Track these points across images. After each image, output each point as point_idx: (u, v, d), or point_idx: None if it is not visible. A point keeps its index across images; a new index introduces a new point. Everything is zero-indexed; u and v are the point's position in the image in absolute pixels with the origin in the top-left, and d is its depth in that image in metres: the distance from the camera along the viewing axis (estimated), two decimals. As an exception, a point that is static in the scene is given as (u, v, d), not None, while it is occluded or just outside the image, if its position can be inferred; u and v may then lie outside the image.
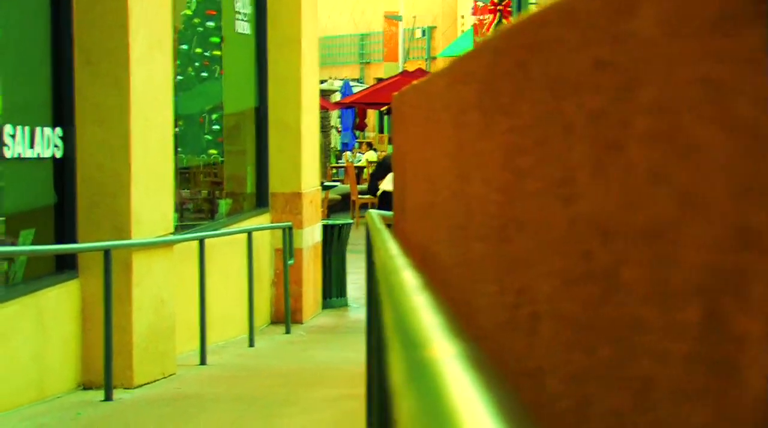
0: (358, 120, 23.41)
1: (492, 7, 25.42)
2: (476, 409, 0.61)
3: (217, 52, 12.54)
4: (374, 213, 5.50)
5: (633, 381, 0.76)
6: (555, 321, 1.03)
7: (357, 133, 27.48)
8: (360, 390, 7.97)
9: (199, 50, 12.53)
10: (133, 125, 8.36)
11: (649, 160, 0.72)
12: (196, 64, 12.36)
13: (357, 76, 38.09)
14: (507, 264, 1.32)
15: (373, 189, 12.64)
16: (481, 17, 28.70)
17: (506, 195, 1.32)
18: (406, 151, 4.51)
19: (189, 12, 12.09)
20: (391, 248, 2.12)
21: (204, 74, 12.91)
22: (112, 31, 8.27)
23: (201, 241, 9.71)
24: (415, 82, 3.52)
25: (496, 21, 25.28)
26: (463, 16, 35.12)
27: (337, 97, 27.14)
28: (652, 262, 0.72)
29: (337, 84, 29.33)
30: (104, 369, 7.85)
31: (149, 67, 8.64)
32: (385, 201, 9.95)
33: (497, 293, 1.39)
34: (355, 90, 26.63)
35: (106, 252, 7.90)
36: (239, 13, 12.10)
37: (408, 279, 1.31)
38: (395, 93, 5.52)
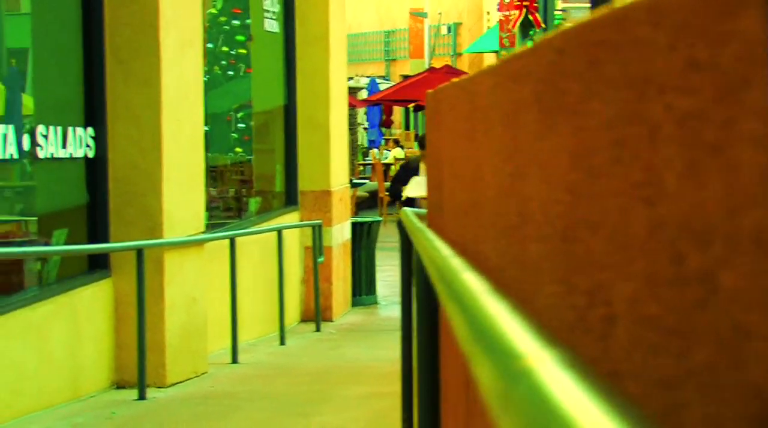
0: (384, 117, 23.40)
1: (518, 3, 25.35)
2: (598, 421, 0.60)
3: (243, 51, 12.55)
4: (409, 211, 5.49)
5: (738, 388, 0.74)
6: (636, 324, 1.01)
7: (383, 130, 27.47)
8: (393, 388, 7.96)
9: (225, 49, 12.55)
10: (164, 124, 8.37)
11: (758, 163, 0.71)
12: (222, 62, 12.38)
13: (382, 73, 38.07)
14: (575, 264, 1.31)
15: (395, 193, 12.59)
16: (507, 13, 28.63)
17: (574, 195, 1.31)
18: (442, 148, 4.50)
19: (215, 11, 12.10)
20: (441, 248, 2.10)
21: (230, 73, 12.94)
22: (143, 30, 8.28)
23: (232, 240, 9.72)
24: (454, 79, 3.51)
25: (522, 17, 25.22)
26: (488, 13, 35.04)
27: (363, 95, 27.13)
28: (759, 268, 0.71)
29: (364, 81, 29.31)
30: (138, 368, 7.87)
31: (180, 66, 8.65)
32: (410, 203, 9.95)
33: (563, 294, 1.37)
34: (382, 87, 26.62)
35: (139, 252, 7.91)
36: (268, 11, 12.10)
37: (474, 283, 1.29)
38: (429, 90, 5.51)
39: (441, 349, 3.29)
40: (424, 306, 3.20)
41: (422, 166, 10.36)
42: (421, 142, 11.23)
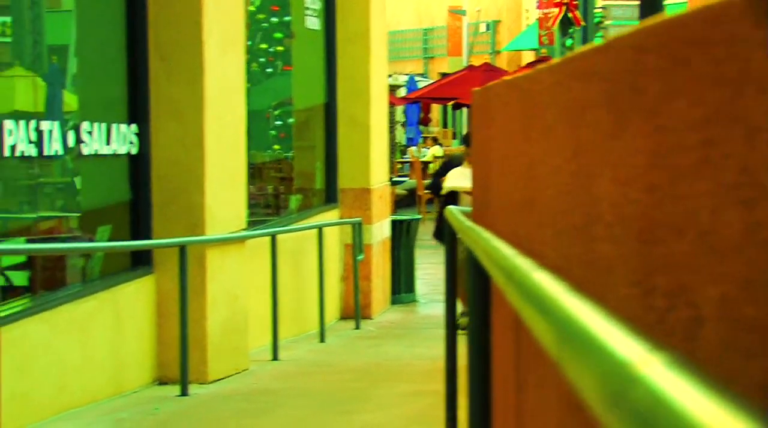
0: (422, 115, 23.39)
1: (558, 1, 25.25)
2: (728, 423, 0.58)
3: (280, 48, 12.57)
4: (455, 209, 5.48)
5: None
6: (729, 326, 1.00)
7: (421, 127, 27.47)
8: (435, 386, 7.95)
9: (263, 46, 12.57)
10: (207, 121, 8.39)
11: None
12: (261, 59, 12.40)
13: (420, 71, 38.04)
14: (654, 266, 1.29)
15: (436, 188, 12.55)
16: (546, 11, 28.55)
17: (654, 195, 1.29)
18: (491, 146, 4.48)
19: (253, 8, 12.12)
20: (501, 247, 2.09)
21: (269, 70, 12.96)
22: (186, 27, 8.30)
23: (273, 237, 9.74)
24: (506, 77, 3.49)
25: (561, 15, 25.12)
26: (527, 10, 34.95)
27: (402, 92, 27.13)
28: None
29: (402, 79, 29.30)
30: (180, 365, 7.89)
31: (223, 63, 8.67)
32: (450, 200, 9.85)
33: (640, 296, 1.36)
34: (420, 85, 26.59)
35: (182, 249, 7.94)
36: (309, 8, 12.11)
37: (550, 283, 1.28)
38: (476, 88, 5.49)
39: (493, 347, 3.28)
40: (476, 304, 3.19)
41: (465, 164, 10.28)
42: (466, 139, 11.04)
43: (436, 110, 32.89)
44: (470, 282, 3.28)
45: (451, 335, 5.84)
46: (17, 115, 7.11)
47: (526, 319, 1.32)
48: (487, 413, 3.19)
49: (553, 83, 2.21)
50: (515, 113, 3.04)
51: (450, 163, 12.77)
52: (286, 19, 12.75)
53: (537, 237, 2.56)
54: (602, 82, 1.62)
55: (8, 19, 7.66)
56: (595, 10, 25.15)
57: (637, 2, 23.59)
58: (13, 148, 6.83)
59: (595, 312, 0.98)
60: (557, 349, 1.00)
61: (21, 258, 7.57)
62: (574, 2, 24.75)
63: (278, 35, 12.75)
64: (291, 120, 13.05)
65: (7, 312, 6.51)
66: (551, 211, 2.30)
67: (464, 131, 36.55)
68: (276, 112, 13.05)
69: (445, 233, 5.82)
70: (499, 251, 1.93)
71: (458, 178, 9.97)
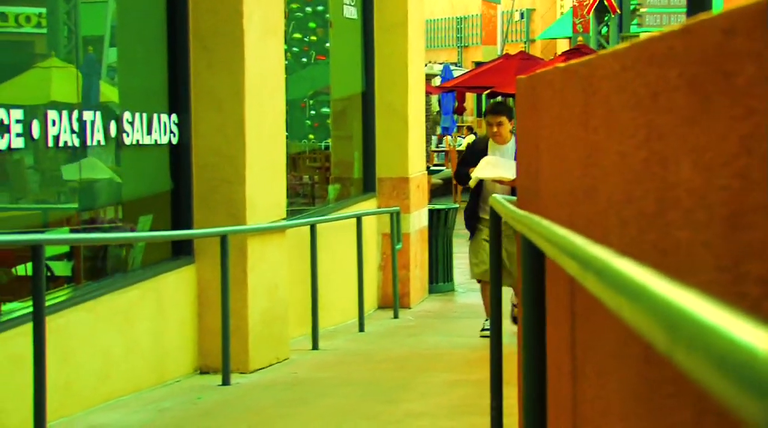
0: (457, 104, 23.29)
1: (593, -11, 25.13)
2: None
3: (314, 38, 12.56)
4: (500, 198, 5.45)
5: None
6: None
7: (456, 117, 27.42)
8: (476, 375, 7.93)
9: (297, 35, 12.57)
10: (247, 111, 8.39)
11: None
12: (294, 49, 12.39)
13: (454, 60, 37.95)
14: (746, 252, 1.27)
15: (462, 176, 12.24)
16: (581, -1, 28.41)
17: (747, 180, 1.27)
18: (539, 134, 4.45)
19: (287, -3, 12.13)
20: (566, 235, 2.06)
21: (303, 59, 12.96)
22: (227, 17, 8.30)
23: (312, 227, 9.74)
24: (560, 64, 3.46)
25: (597, 2, 25.00)
26: (562, -2, 34.81)
27: (437, 81, 27.07)
28: None
29: (437, 68, 29.24)
30: (222, 354, 7.89)
31: (263, 53, 8.66)
32: (479, 189, 9.73)
33: (728, 282, 1.34)
34: (455, 74, 26.52)
35: (223, 238, 7.94)
36: (347, -3, 12.09)
37: (636, 271, 1.26)
38: (521, 76, 5.45)
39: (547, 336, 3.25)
40: (530, 293, 3.16)
41: (491, 145, 9.73)
42: (494, 109, 10.46)
43: (470, 99, 32.81)
44: (524, 272, 3.25)
45: (496, 322, 5.81)
46: (54, 106, 7.12)
47: (616, 309, 1.29)
48: (542, 401, 3.17)
49: (619, 69, 2.18)
50: (572, 100, 3.01)
51: (474, 146, 12.62)
52: (320, 8, 12.75)
53: (599, 224, 2.53)
54: (682, 65, 1.59)
55: (44, 10, 7.68)
56: (632, -2, 25.02)
57: (674, -11, 23.42)
58: (56, 138, 6.85)
59: (703, 300, 0.95)
60: (668, 339, 0.97)
61: (64, 249, 7.59)
62: (610, -10, 24.62)
63: (312, 25, 12.74)
64: (325, 109, 13.04)
65: (51, 302, 6.52)
66: (616, 198, 2.28)
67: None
68: (311, 102, 13.05)
69: (491, 221, 5.78)
70: (566, 240, 1.90)
71: (487, 168, 9.70)
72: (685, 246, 1.60)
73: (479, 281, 9.96)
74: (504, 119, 9.64)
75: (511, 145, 9.44)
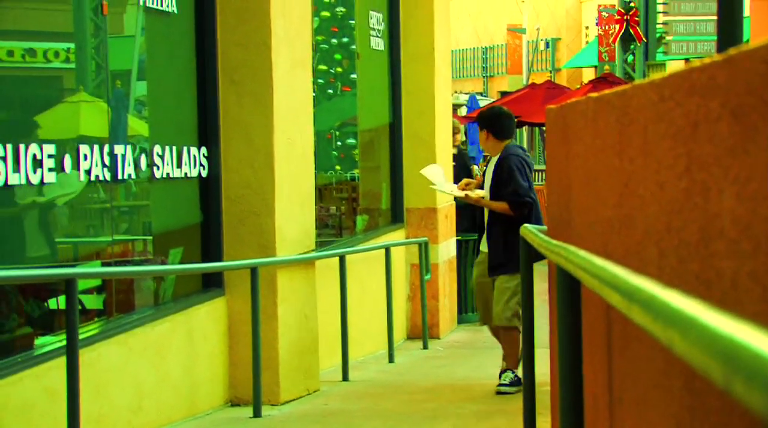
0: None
1: (618, 18, 25.14)
2: None
3: (340, 69, 12.61)
4: (531, 227, 5.45)
5: None
6: None
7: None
8: (507, 406, 7.91)
9: (323, 67, 12.62)
10: (276, 143, 8.42)
11: None
12: (321, 81, 12.44)
13: (480, 90, 38.01)
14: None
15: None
16: (606, 27, 28.46)
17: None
18: (571, 163, 4.45)
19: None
20: (607, 266, 2.06)
21: (329, 91, 13.00)
22: (256, 50, 8.34)
23: (341, 258, 9.74)
24: (592, 94, 3.47)
25: (622, 31, 25.00)
26: (587, 27, 34.85)
27: (463, 111, 27.12)
28: None
29: (464, 98, 29.29)
30: (253, 386, 7.90)
31: (291, 85, 8.70)
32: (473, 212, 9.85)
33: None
34: (482, 103, 26.57)
35: (254, 270, 7.95)
36: (374, 29, 12.14)
37: (687, 303, 1.25)
38: (550, 106, 5.46)
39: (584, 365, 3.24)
40: (567, 323, 3.16)
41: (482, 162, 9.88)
42: (486, 120, 9.55)
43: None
44: (559, 302, 3.25)
45: (528, 352, 5.79)
46: (84, 140, 7.17)
47: (666, 341, 1.29)
48: (580, 431, 3.16)
49: (657, 99, 2.18)
50: (607, 130, 3.01)
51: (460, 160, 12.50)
52: (345, 40, 12.79)
53: (636, 254, 2.53)
54: (724, 95, 1.59)
55: (72, 45, 7.74)
56: (657, 26, 25.02)
57: (699, 17, 23.44)
58: (88, 172, 6.89)
59: (759, 331, 0.95)
60: (725, 372, 0.97)
61: (95, 282, 7.62)
62: (635, 18, 24.63)
63: (338, 56, 12.79)
64: (351, 140, 13.06)
65: (84, 336, 6.54)
66: (655, 228, 2.27)
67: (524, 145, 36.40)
68: (337, 133, 13.08)
69: (522, 251, 5.78)
70: (613, 272, 1.90)
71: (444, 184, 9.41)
72: (730, 277, 1.59)
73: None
74: (484, 132, 8.81)
75: (497, 157, 8.68)
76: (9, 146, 5.98)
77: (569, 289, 3.05)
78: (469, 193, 8.87)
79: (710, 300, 1.71)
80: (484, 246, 8.84)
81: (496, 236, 8.54)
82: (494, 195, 8.61)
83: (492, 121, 8.79)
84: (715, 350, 1.02)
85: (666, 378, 2.18)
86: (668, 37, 23.58)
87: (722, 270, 1.64)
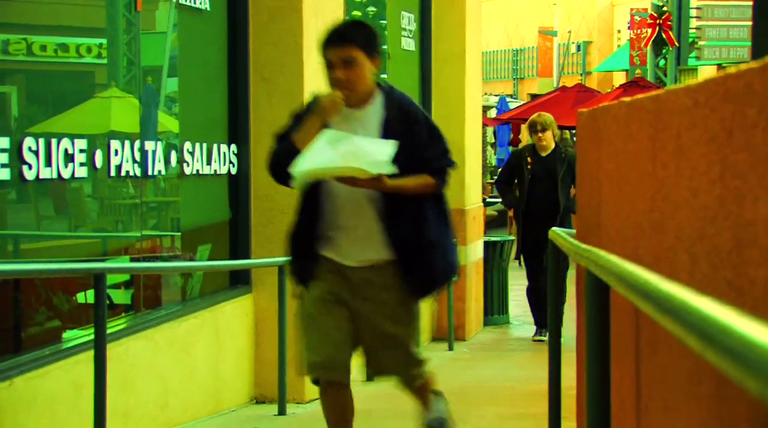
0: (513, 136, 23.30)
1: (651, 22, 25.05)
2: None
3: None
4: (561, 231, 5.43)
5: None
6: None
7: (512, 148, 27.41)
8: (532, 409, 7.88)
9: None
10: (306, 142, 8.42)
11: None
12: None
13: (510, 92, 37.96)
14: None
15: (510, 198, 11.98)
16: (638, 31, 28.36)
17: (833, 220, 1.26)
18: (602, 167, 4.44)
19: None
20: (639, 272, 2.05)
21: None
22: (287, 48, 8.36)
23: (369, 257, 9.74)
24: (625, 98, 3.45)
25: (654, 35, 24.91)
26: (619, 31, 34.75)
27: (493, 113, 27.11)
28: None
29: (493, 100, 29.27)
30: (278, 384, 7.91)
31: (322, 83, 8.69)
32: (313, 200, 9.38)
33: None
34: (511, 106, 26.55)
35: (280, 268, 7.96)
36: (405, 29, 12.14)
37: (722, 312, 1.25)
38: (582, 109, 5.45)
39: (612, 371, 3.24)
40: (595, 329, 3.15)
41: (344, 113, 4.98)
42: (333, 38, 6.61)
43: (525, 131, 32.77)
44: (587, 307, 3.24)
45: (555, 356, 5.78)
46: (115, 135, 7.19)
47: (700, 351, 1.28)
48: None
49: (691, 105, 2.17)
50: (639, 135, 3.00)
51: (510, 160, 12.43)
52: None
53: (667, 260, 2.52)
54: (762, 102, 1.59)
55: (104, 41, 7.77)
56: (690, 31, 24.93)
57: (732, 23, 23.33)
58: (118, 167, 6.91)
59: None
60: (762, 384, 0.97)
61: (123, 277, 7.65)
62: (668, 22, 24.54)
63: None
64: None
65: (111, 330, 6.57)
66: (687, 234, 2.26)
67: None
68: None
69: (551, 254, 5.76)
70: (645, 279, 1.89)
71: (320, 155, 4.88)
72: (763, 286, 1.59)
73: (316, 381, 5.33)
74: (354, 53, 4.96)
75: (377, 104, 5.08)
76: (41, 140, 6.01)
77: (598, 294, 3.04)
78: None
79: (742, 308, 1.70)
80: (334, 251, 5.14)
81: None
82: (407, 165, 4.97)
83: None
84: (749, 359, 1.01)
85: (695, 385, 2.17)
86: (701, 42, 23.49)
87: (755, 279, 1.63)
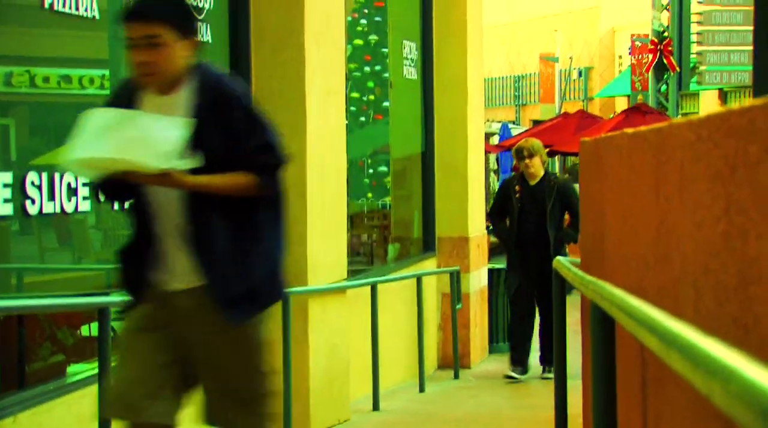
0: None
1: (652, 47, 25.10)
2: None
3: (372, 97, 12.64)
4: (565, 261, 5.43)
5: None
6: None
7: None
8: (540, 437, 7.86)
9: (356, 95, 12.65)
10: (309, 172, 8.43)
11: None
12: (353, 108, 12.47)
13: (512, 118, 38.01)
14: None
15: (501, 228, 11.01)
16: (640, 57, 28.41)
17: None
18: (605, 196, 4.43)
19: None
20: (644, 308, 2.04)
21: (361, 119, 13.03)
22: (290, 80, 8.37)
23: (373, 287, 9.73)
24: (628, 130, 3.45)
25: (656, 61, 24.96)
26: (621, 57, 34.81)
27: (495, 140, 27.13)
28: None
29: (495, 126, 29.30)
30: (283, 415, 7.87)
31: (325, 115, 8.72)
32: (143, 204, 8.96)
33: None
34: (514, 132, 26.58)
35: (285, 299, 7.95)
36: (407, 58, 12.17)
37: (728, 354, 1.24)
38: (585, 138, 5.45)
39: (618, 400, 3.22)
40: (601, 360, 3.14)
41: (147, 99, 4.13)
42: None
43: (528, 157, 32.78)
44: (593, 339, 3.23)
45: (561, 385, 5.77)
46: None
47: (706, 392, 1.28)
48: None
49: (694, 139, 2.17)
50: (642, 166, 3.00)
51: (502, 189, 11.34)
52: (378, 68, 12.83)
53: (672, 293, 2.51)
54: (764, 140, 1.58)
55: (107, 72, 7.79)
56: (691, 56, 24.97)
57: (733, 47, 23.35)
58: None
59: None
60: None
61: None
62: (669, 48, 24.59)
63: (370, 84, 12.83)
64: (383, 168, 13.08)
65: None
66: (692, 268, 2.26)
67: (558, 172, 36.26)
68: (369, 161, 13.11)
69: (555, 283, 5.75)
70: (650, 315, 1.88)
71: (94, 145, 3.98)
72: (769, 323, 1.58)
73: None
74: (160, 30, 4.10)
75: (189, 89, 4.20)
76: (44, 175, 6.01)
77: (603, 327, 3.04)
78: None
79: (748, 346, 1.70)
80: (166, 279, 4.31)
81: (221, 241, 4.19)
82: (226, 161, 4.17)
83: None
84: (756, 404, 1.00)
85: (703, 422, 2.16)
86: (702, 67, 23.52)
87: (760, 316, 1.62)
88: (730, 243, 1.84)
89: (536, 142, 11.04)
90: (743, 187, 1.73)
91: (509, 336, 11.28)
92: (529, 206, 10.65)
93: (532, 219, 10.62)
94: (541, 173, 10.77)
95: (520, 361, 11.03)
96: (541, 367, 11.15)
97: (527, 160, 10.75)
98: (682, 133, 2.31)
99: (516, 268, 10.77)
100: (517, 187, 10.81)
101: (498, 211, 11.07)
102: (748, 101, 1.67)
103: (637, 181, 3.15)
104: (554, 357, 5.94)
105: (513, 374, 11.00)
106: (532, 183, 10.74)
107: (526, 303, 10.84)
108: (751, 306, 1.69)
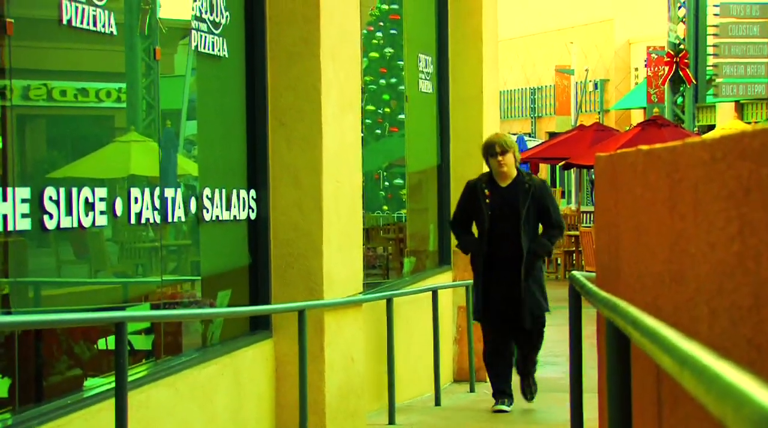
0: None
1: (668, 59, 25.08)
2: None
3: (387, 110, 12.67)
4: (580, 275, 5.43)
5: None
6: None
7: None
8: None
9: (371, 107, 12.68)
10: (324, 185, 8.46)
11: None
12: (368, 121, 12.50)
13: (528, 130, 38.01)
14: None
15: (467, 240, 9.76)
16: (656, 69, 28.40)
17: None
18: (620, 213, 4.44)
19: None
20: (660, 328, 2.05)
21: (377, 131, 13.06)
22: (305, 93, 8.40)
23: (389, 300, 9.74)
24: (643, 147, 3.46)
25: (672, 73, 24.93)
26: (636, 69, 34.79)
27: (511, 152, 27.17)
28: None
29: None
30: (299, 429, 7.90)
31: (340, 128, 8.75)
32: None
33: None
34: (529, 144, 26.59)
35: (301, 313, 7.97)
36: (422, 71, 12.19)
37: (741, 378, 1.25)
38: (600, 154, 5.45)
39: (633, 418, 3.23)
40: (616, 378, 3.15)
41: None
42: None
43: (543, 170, 32.80)
44: (608, 357, 3.24)
45: (576, 398, 5.77)
46: (135, 180, 7.23)
47: (719, 415, 1.29)
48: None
49: (708, 159, 2.18)
50: (656, 184, 3.01)
51: (467, 191, 9.95)
52: (393, 81, 12.86)
53: (687, 312, 2.52)
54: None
55: (123, 85, 7.82)
56: (707, 68, 24.95)
57: (750, 60, 23.33)
58: (138, 215, 6.94)
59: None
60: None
61: (145, 324, 7.66)
62: (685, 60, 24.57)
63: (386, 97, 12.86)
64: (398, 181, 13.11)
65: (132, 377, 6.57)
66: (706, 287, 2.27)
67: (572, 189, 36.11)
68: (384, 174, 13.13)
69: (570, 297, 5.75)
70: (664, 335, 1.89)
71: None
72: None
73: None
74: None
75: None
76: (62, 190, 6.04)
77: (618, 344, 3.04)
78: None
79: (762, 367, 1.70)
80: None
81: None
82: None
83: None
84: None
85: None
86: (718, 79, 23.51)
87: (774, 337, 1.63)
88: (744, 264, 1.84)
89: (509, 137, 9.78)
90: (757, 209, 1.74)
91: (486, 368, 10.23)
92: (500, 211, 9.34)
93: (505, 227, 9.33)
94: (515, 173, 9.44)
95: (503, 392, 10.05)
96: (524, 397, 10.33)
97: (500, 157, 9.38)
98: (696, 152, 2.32)
99: (487, 290, 9.64)
100: (486, 191, 9.45)
101: (462, 219, 9.83)
102: (764, 112, 1.68)
103: (652, 199, 3.16)
104: (570, 374, 5.92)
105: (502, 407, 10.03)
106: (504, 184, 9.47)
107: (500, 331, 9.84)
108: (764, 327, 1.70)
